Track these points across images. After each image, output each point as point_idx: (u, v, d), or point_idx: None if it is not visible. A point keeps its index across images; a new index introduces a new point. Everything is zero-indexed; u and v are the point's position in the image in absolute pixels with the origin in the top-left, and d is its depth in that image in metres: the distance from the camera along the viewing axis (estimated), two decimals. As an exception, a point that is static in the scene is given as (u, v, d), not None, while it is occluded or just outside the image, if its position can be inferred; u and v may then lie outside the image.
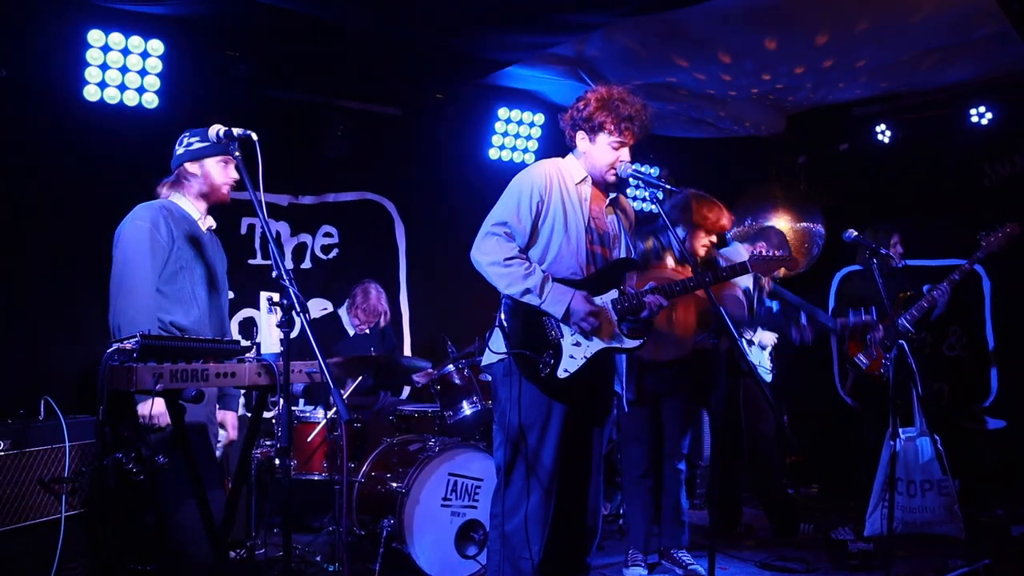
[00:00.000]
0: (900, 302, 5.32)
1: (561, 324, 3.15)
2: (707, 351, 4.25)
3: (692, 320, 4.17)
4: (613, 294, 3.18)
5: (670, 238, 4.21)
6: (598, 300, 3.16)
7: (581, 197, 3.22)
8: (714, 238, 4.34)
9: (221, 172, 3.15)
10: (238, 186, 3.14)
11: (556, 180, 3.20)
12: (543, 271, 3.14)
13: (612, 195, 3.35)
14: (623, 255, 3.31)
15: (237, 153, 2.71)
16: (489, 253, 3.14)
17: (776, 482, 5.21)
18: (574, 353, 3.11)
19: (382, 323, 5.59)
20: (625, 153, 3.22)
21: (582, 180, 3.26)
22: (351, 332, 5.60)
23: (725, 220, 4.26)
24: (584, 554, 3.45)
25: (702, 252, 4.32)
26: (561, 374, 3.10)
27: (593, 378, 3.22)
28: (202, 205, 3.21)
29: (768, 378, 5.03)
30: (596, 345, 3.14)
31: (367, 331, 5.52)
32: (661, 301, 3.17)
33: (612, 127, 3.16)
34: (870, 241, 4.15)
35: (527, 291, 3.08)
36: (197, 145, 3.16)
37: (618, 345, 3.16)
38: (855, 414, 6.89)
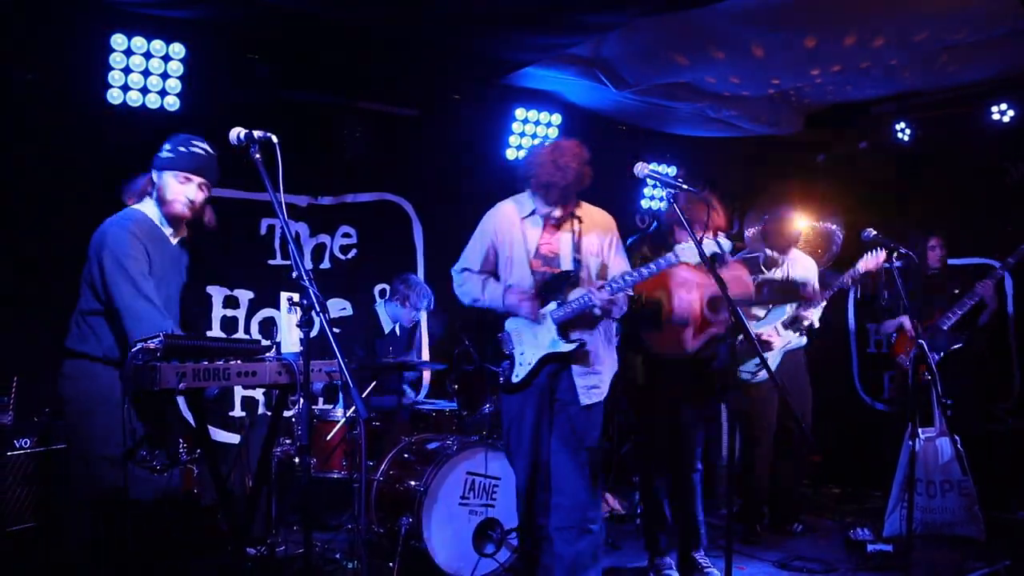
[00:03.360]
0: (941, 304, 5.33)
1: (512, 339, 3.74)
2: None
3: (698, 311, 4.20)
4: (551, 306, 3.63)
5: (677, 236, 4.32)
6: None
7: (525, 230, 3.73)
8: (710, 235, 4.31)
9: (177, 188, 3.18)
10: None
11: (505, 221, 3.78)
12: (484, 277, 3.81)
13: (558, 216, 3.71)
14: (565, 269, 3.68)
15: (258, 155, 2.74)
16: (454, 283, 3.94)
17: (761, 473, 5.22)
18: (522, 361, 3.70)
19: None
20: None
21: (529, 214, 3.76)
22: (387, 328, 5.62)
23: (719, 220, 4.20)
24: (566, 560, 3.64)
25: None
26: (514, 379, 3.70)
27: (552, 381, 3.68)
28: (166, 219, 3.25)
29: (757, 378, 4.99)
30: (538, 352, 3.65)
31: (408, 327, 5.57)
32: (603, 298, 3.52)
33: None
34: (888, 240, 4.13)
35: (476, 299, 3.81)
36: (164, 154, 3.22)
37: (557, 350, 3.62)
38: (875, 414, 6.88)
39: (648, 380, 4.36)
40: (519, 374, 3.67)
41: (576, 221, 3.72)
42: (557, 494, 3.67)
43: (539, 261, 3.72)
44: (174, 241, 3.27)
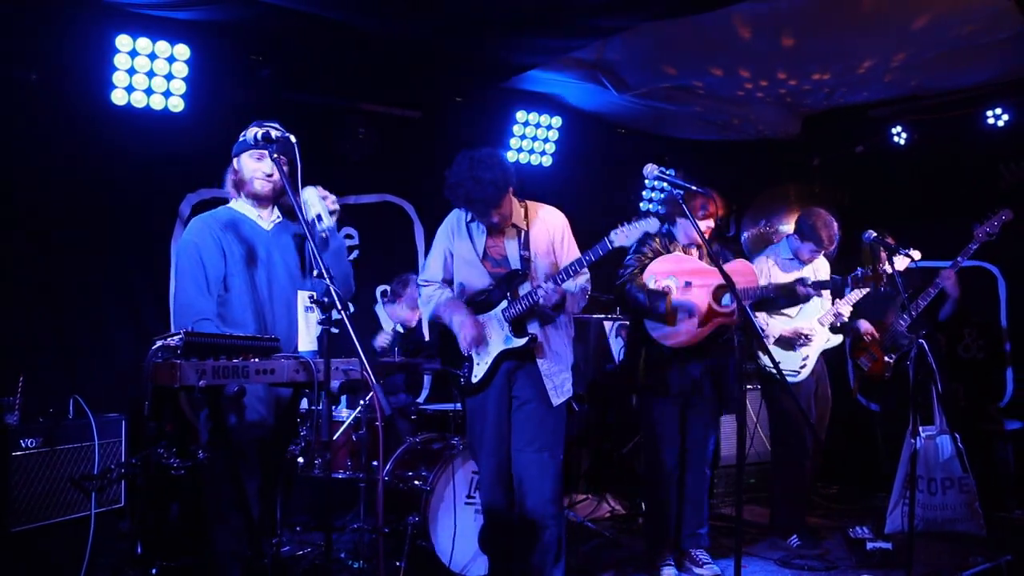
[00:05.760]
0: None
1: None
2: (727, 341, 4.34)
3: (706, 301, 4.26)
4: (502, 304, 3.69)
5: (674, 233, 4.48)
6: (491, 312, 3.70)
7: (473, 235, 3.80)
8: (710, 223, 4.37)
9: (252, 166, 3.13)
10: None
11: (455, 228, 3.86)
12: (441, 291, 3.86)
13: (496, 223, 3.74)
14: (514, 268, 3.73)
15: (276, 155, 2.76)
16: (420, 296, 3.98)
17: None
18: (479, 361, 3.73)
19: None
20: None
21: (472, 219, 3.81)
22: (387, 328, 5.65)
23: (712, 207, 4.28)
24: (530, 554, 3.69)
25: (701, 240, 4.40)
26: (473, 379, 3.73)
27: (510, 378, 3.72)
28: (245, 201, 3.19)
29: (800, 376, 5.00)
30: (494, 350, 3.69)
31: (411, 326, 5.63)
32: (548, 289, 3.53)
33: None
34: (889, 242, 4.18)
35: (433, 317, 3.86)
36: (238, 140, 3.17)
37: (510, 346, 3.65)
38: (872, 415, 6.94)
39: (654, 372, 4.40)
40: (478, 374, 3.71)
41: (522, 222, 3.77)
42: (519, 492, 3.71)
43: (490, 263, 3.78)
44: (268, 226, 3.22)
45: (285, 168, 2.97)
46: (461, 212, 3.85)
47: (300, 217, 2.52)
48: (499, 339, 3.68)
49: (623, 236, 3.45)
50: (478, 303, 3.76)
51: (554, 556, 3.71)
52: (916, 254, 4.50)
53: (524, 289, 3.66)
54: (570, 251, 3.82)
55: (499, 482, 3.74)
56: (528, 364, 3.70)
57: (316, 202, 2.99)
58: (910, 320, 5.22)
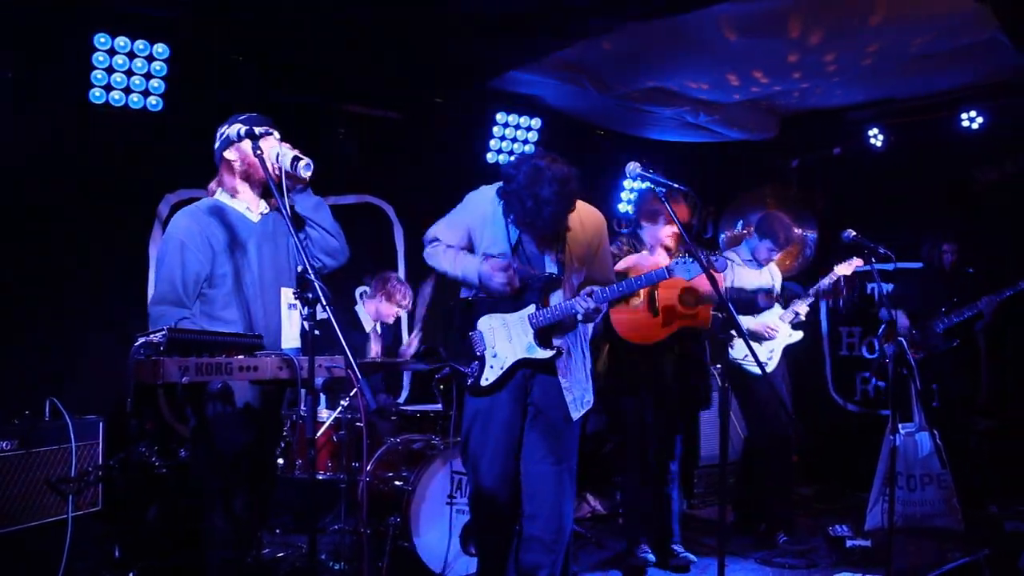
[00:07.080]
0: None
1: (484, 338, 3.45)
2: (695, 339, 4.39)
3: (672, 302, 4.32)
4: (530, 309, 3.42)
5: (640, 235, 4.54)
6: (515, 315, 3.43)
7: (509, 225, 3.43)
8: (674, 227, 4.37)
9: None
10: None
11: (488, 212, 3.47)
12: (457, 249, 3.49)
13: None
14: (548, 271, 3.46)
15: (260, 151, 2.74)
16: (425, 251, 3.63)
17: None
18: (493, 364, 3.43)
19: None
20: None
21: None
22: (367, 327, 5.64)
23: (681, 211, 4.24)
24: (535, 569, 3.48)
25: (669, 242, 4.48)
26: (483, 382, 3.43)
27: (528, 383, 3.47)
28: (248, 191, 3.10)
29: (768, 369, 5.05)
30: (512, 356, 3.42)
31: (390, 323, 5.62)
32: (589, 308, 3.32)
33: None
34: (868, 241, 4.23)
35: (445, 272, 3.51)
36: (224, 133, 3.06)
37: (533, 356, 3.41)
38: (847, 415, 7.04)
39: (618, 368, 4.44)
40: (489, 377, 3.43)
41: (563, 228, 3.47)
42: (531, 503, 3.47)
43: (520, 260, 3.46)
44: (256, 218, 3.11)
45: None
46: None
47: (283, 212, 2.49)
48: (520, 345, 3.41)
49: (683, 269, 3.35)
50: (501, 300, 3.45)
51: (561, 571, 3.51)
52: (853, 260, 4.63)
53: (556, 298, 3.42)
54: (604, 259, 3.61)
55: (502, 486, 3.47)
56: (547, 374, 3.45)
57: (286, 150, 2.90)
58: (948, 325, 5.37)
